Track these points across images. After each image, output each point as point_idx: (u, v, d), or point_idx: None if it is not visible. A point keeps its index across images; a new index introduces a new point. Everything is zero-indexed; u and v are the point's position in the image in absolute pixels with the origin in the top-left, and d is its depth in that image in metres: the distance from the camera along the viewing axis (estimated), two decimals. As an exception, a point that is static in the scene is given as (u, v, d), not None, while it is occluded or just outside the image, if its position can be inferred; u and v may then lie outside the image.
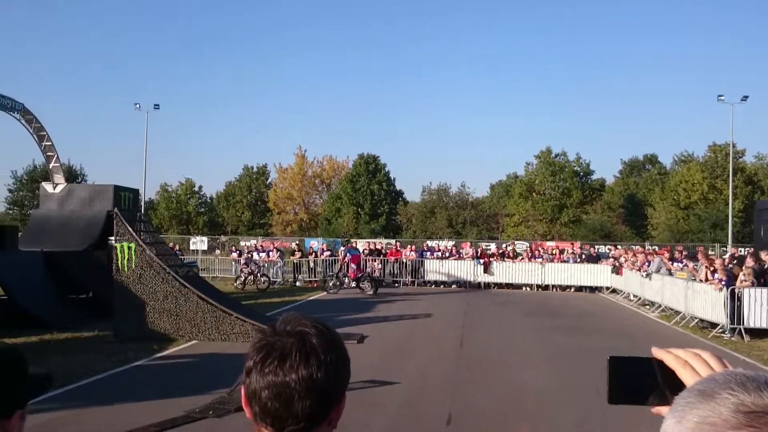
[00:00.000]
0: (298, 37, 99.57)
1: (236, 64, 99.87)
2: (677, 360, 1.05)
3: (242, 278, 26.86)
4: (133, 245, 14.36)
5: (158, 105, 47.54)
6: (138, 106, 47.75)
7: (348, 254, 26.12)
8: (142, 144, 48.74)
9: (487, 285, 28.77)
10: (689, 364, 1.04)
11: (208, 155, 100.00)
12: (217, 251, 45.16)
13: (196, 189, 68.47)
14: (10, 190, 61.99)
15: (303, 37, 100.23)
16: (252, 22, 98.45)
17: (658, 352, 1.08)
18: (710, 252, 29.64)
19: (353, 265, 25.38)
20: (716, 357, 1.03)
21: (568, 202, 55.91)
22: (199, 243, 40.37)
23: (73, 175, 54.54)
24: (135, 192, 22.14)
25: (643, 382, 1.06)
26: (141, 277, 14.25)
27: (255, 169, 69.36)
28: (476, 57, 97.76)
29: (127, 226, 14.55)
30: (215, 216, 68.14)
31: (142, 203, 47.93)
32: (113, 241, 15.23)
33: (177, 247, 36.02)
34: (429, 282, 29.38)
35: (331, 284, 25.48)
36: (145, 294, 14.17)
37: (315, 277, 29.69)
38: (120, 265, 14.33)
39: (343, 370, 1.31)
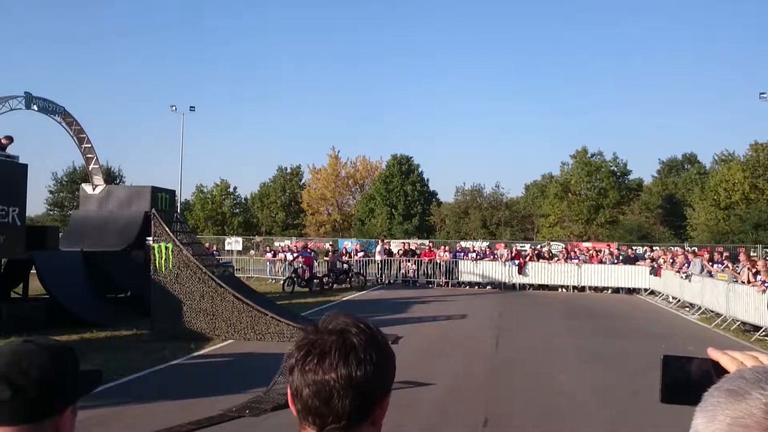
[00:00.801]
0: (331, 39, 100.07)
1: (270, 65, 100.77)
2: (733, 361, 1.03)
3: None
4: (170, 245, 14.52)
5: (194, 107, 48.51)
6: (174, 108, 48.60)
7: (301, 257, 28.07)
8: (178, 146, 49.58)
9: (522, 286, 28.52)
10: (745, 366, 1.01)
11: (243, 156, 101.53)
12: (252, 251, 45.57)
13: (231, 190, 69.27)
14: (51, 192, 63.52)
15: (337, 39, 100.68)
16: (286, 24, 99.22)
17: (714, 353, 1.06)
18: (752, 253, 28.94)
19: (306, 266, 26.60)
20: None
21: (605, 203, 55.20)
22: (234, 243, 40.85)
23: (111, 177, 55.60)
24: (172, 193, 22.40)
25: (697, 382, 1.04)
26: (178, 276, 14.39)
27: (289, 170, 69.90)
28: (510, 55, 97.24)
29: (165, 226, 14.71)
30: (250, 217, 68.81)
31: (179, 204, 48.56)
32: (151, 241, 15.43)
33: (215, 248, 36.53)
34: (463, 283, 29.24)
35: (285, 284, 26.05)
36: (182, 294, 14.32)
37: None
38: (157, 264, 14.50)
39: (385, 369, 1.30)
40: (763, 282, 15.91)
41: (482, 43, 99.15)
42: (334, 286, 27.31)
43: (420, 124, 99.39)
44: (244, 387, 9.51)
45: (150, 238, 15.63)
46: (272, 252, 33.34)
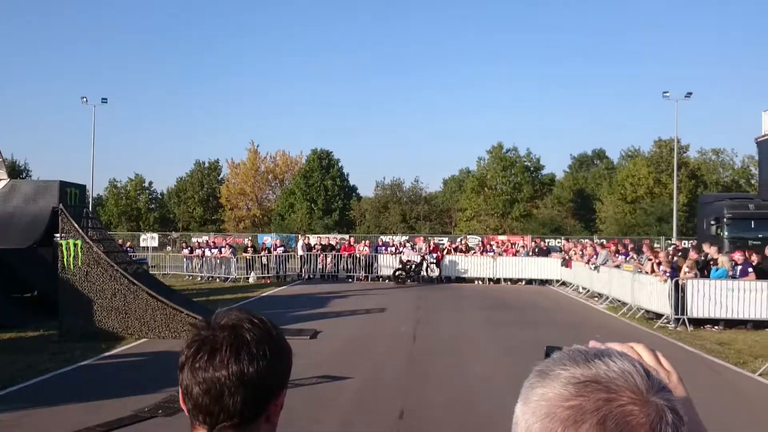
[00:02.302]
0: (249, 31, 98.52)
1: (186, 57, 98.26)
2: None
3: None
4: (79, 242, 14.04)
5: (106, 99, 46.61)
6: (85, 99, 46.68)
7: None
8: (89, 139, 47.65)
9: (440, 279, 29.01)
10: None
11: (159, 150, 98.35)
12: (169, 248, 44.52)
13: (146, 185, 67.34)
14: (-51, 186, 59.91)
15: (255, 30, 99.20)
16: (202, 16, 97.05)
17: (595, 345, 1.10)
18: (656, 245, 30.42)
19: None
20: (649, 349, 1.07)
21: (519, 197, 56.76)
22: (149, 240, 39.74)
23: (16, 171, 53.02)
24: (82, 188, 21.58)
25: None
26: (88, 274, 13.94)
27: (207, 165, 68.46)
28: (429, 54, 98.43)
29: (73, 222, 14.22)
30: (166, 212, 67.11)
31: (90, 199, 46.84)
32: (58, 238, 14.87)
33: (129, 244, 35.43)
34: (382, 277, 29.49)
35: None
36: (93, 292, 13.87)
37: (268, 273, 29.52)
38: (65, 262, 14.00)
39: (280, 364, 1.27)
40: (665, 272, 16.77)
41: (408, 39, 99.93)
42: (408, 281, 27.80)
43: (340, 118, 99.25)
44: (157, 387, 9.30)
45: (58, 235, 15.06)
46: (189, 248, 32.63)
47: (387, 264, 29.66)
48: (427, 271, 28.61)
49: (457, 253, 30.10)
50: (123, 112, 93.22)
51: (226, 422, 1.20)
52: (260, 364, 1.22)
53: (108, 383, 10.06)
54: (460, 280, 28.92)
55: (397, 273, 28.02)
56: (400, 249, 30.26)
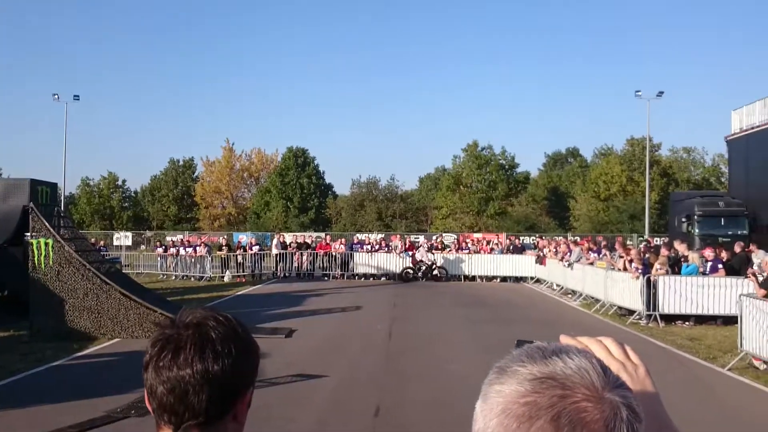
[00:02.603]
0: (223, 29, 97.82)
1: (160, 54, 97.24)
2: (580, 346, 1.09)
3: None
4: (50, 241, 13.86)
5: (78, 96, 45.96)
6: (57, 97, 46.00)
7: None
8: (61, 137, 46.98)
9: (416, 277, 29.08)
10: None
11: (132, 148, 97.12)
12: (142, 247, 44.14)
13: (120, 183, 66.63)
14: None
15: (229, 28, 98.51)
16: (175, 12, 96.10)
17: (564, 339, 1.12)
18: (629, 242, 30.81)
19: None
20: (617, 343, 1.08)
21: (494, 195, 57.07)
22: (123, 238, 39.37)
23: (-15, 169, 52.11)
24: (53, 186, 21.21)
25: None
26: (59, 274, 13.77)
27: (181, 163, 67.87)
28: (405, 52, 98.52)
29: (44, 221, 14.04)
30: (140, 211, 66.43)
31: (62, 198, 46.22)
32: (29, 237, 14.66)
33: (102, 243, 35.02)
34: (358, 275, 29.48)
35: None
36: (64, 291, 13.70)
37: (243, 272, 29.36)
38: (36, 261, 13.82)
39: (246, 362, 1.25)
40: (637, 269, 16.99)
41: (377, 36, 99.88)
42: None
43: (315, 116, 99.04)
44: (130, 387, 9.19)
45: (29, 234, 14.85)
46: (163, 247, 32.33)
47: (363, 262, 29.67)
48: (434, 272, 28.59)
49: (433, 251, 30.18)
50: (96, 110, 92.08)
51: (192, 421, 1.18)
52: (225, 362, 1.20)
53: (80, 384, 9.95)
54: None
55: (406, 272, 28.24)
56: (415, 248, 30.27)
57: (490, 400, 0.83)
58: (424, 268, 28.42)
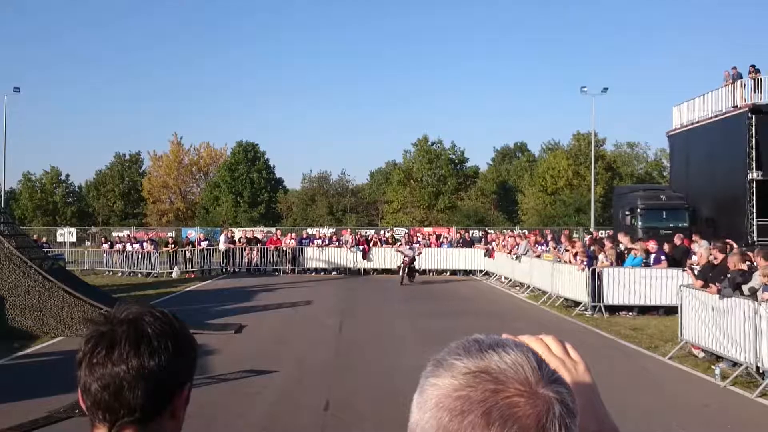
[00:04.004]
0: (172, 19, 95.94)
1: (105, 45, 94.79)
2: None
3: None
4: (-11, 238, 13.43)
5: (18, 88, 44.60)
6: (-6, 88, 44.51)
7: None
8: (0, 130, 45.43)
9: (367, 271, 29.15)
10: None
11: (76, 142, 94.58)
12: (88, 243, 43.16)
13: (63, 178, 64.82)
14: None
15: (178, 18, 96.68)
16: (120, 2, 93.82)
17: (506, 337, 1.17)
18: (575, 235, 31.46)
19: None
20: (558, 341, 1.10)
21: (444, 189, 57.56)
22: (67, 235, 38.44)
23: None
24: (-9, 181, 20.63)
25: None
26: (-1, 271, 13.36)
27: (127, 157, 66.41)
28: (355, 45, 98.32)
29: (-18, 217, 13.60)
30: (85, 206, 64.79)
31: (2, 193, 44.85)
32: (-34, 234, 14.18)
33: (44, 240, 34.08)
34: (309, 270, 29.39)
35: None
36: (4, 289, 13.30)
37: (192, 268, 28.96)
38: (-26, 259, 13.36)
39: (183, 358, 1.23)
40: (582, 261, 17.39)
41: (328, 31, 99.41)
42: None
43: (265, 110, 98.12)
44: (74, 387, 8.89)
45: (-35, 231, 14.37)
46: (109, 243, 31.63)
47: (313, 257, 29.58)
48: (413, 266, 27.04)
49: (384, 246, 30.27)
50: (38, 103, 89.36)
51: (127, 418, 1.17)
52: (162, 358, 1.18)
53: (22, 384, 9.68)
54: (387, 272, 29.07)
55: (408, 269, 25.67)
56: (399, 245, 28.63)
57: (425, 393, 0.83)
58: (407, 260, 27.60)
